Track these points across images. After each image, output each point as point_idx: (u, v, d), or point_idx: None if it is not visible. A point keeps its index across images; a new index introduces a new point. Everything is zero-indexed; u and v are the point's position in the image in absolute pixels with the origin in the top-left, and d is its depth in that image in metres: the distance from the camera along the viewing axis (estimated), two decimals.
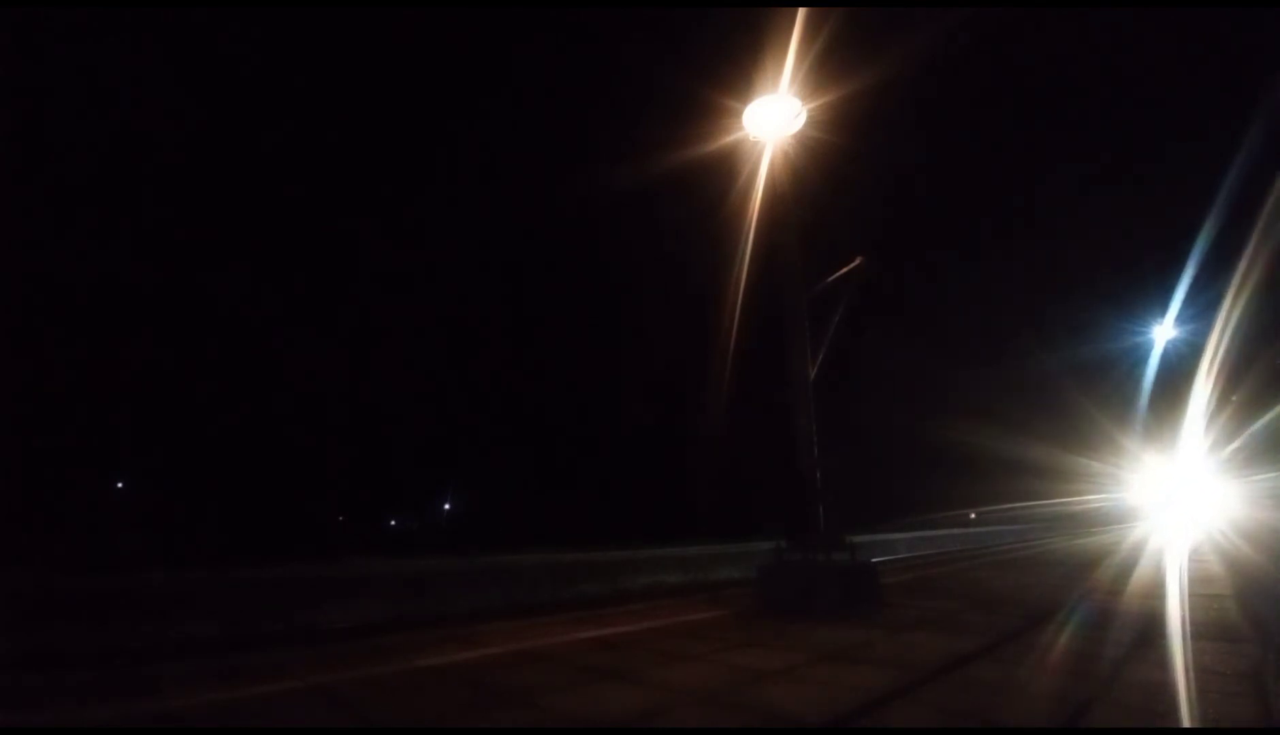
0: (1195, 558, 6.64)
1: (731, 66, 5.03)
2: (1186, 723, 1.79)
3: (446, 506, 30.74)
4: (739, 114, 5.13)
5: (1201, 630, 2.97)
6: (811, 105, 5.02)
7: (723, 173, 6.05)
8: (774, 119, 4.94)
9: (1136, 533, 14.21)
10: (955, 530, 15.71)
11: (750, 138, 5.25)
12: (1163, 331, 20.62)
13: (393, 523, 29.76)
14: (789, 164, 4.99)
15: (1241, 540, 8.87)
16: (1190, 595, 4.07)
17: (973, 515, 21.86)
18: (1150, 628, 3.06)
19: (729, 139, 5.44)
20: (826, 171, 5.59)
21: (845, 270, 6.77)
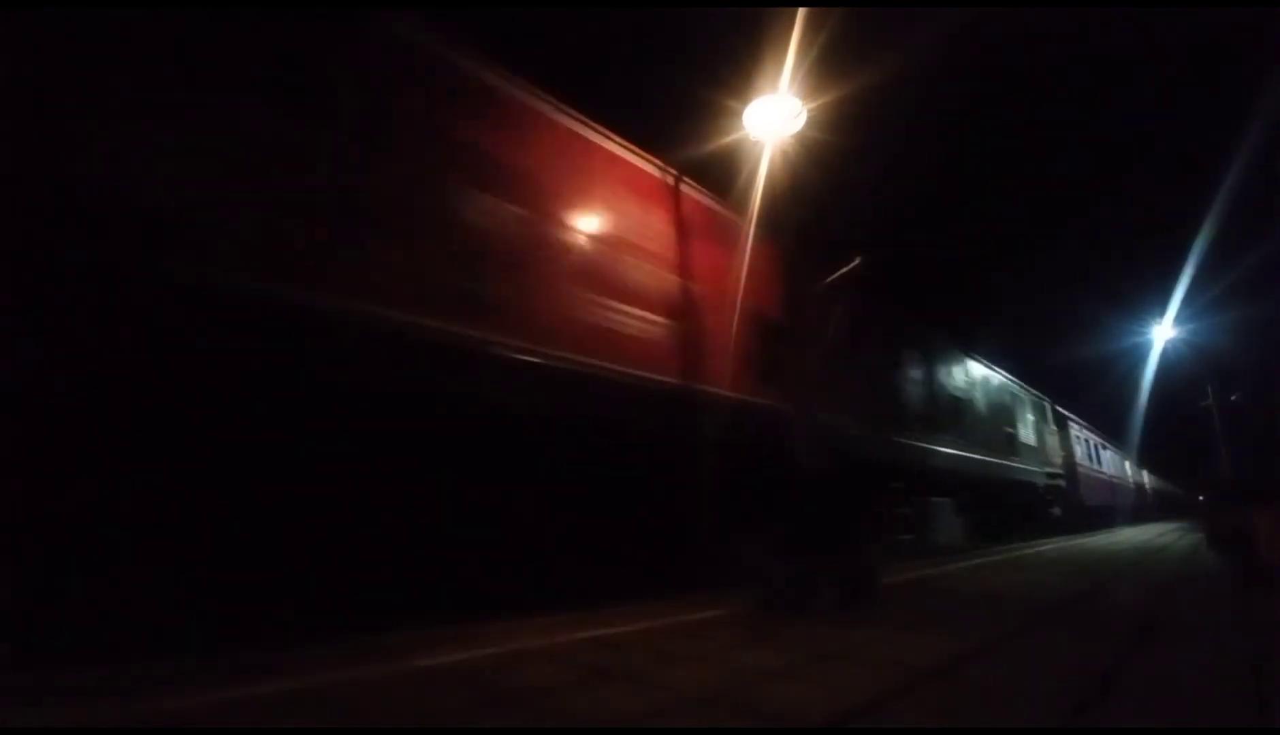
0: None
1: (731, 66, 5.03)
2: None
3: None
4: (738, 114, 5.13)
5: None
6: (811, 105, 5.02)
7: (722, 173, 6.05)
8: (774, 119, 4.94)
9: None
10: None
11: (750, 138, 5.25)
12: (1162, 331, 20.66)
13: None
14: (788, 164, 4.99)
15: None
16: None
17: None
18: (1152, 626, 3.06)
19: (728, 139, 5.45)
20: (826, 171, 5.58)
21: (845, 270, 6.77)
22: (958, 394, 11.21)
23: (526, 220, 4.41)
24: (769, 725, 1.75)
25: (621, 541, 5.05)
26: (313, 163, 3.38)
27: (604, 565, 4.86)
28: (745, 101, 4.99)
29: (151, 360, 2.83)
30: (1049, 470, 15.03)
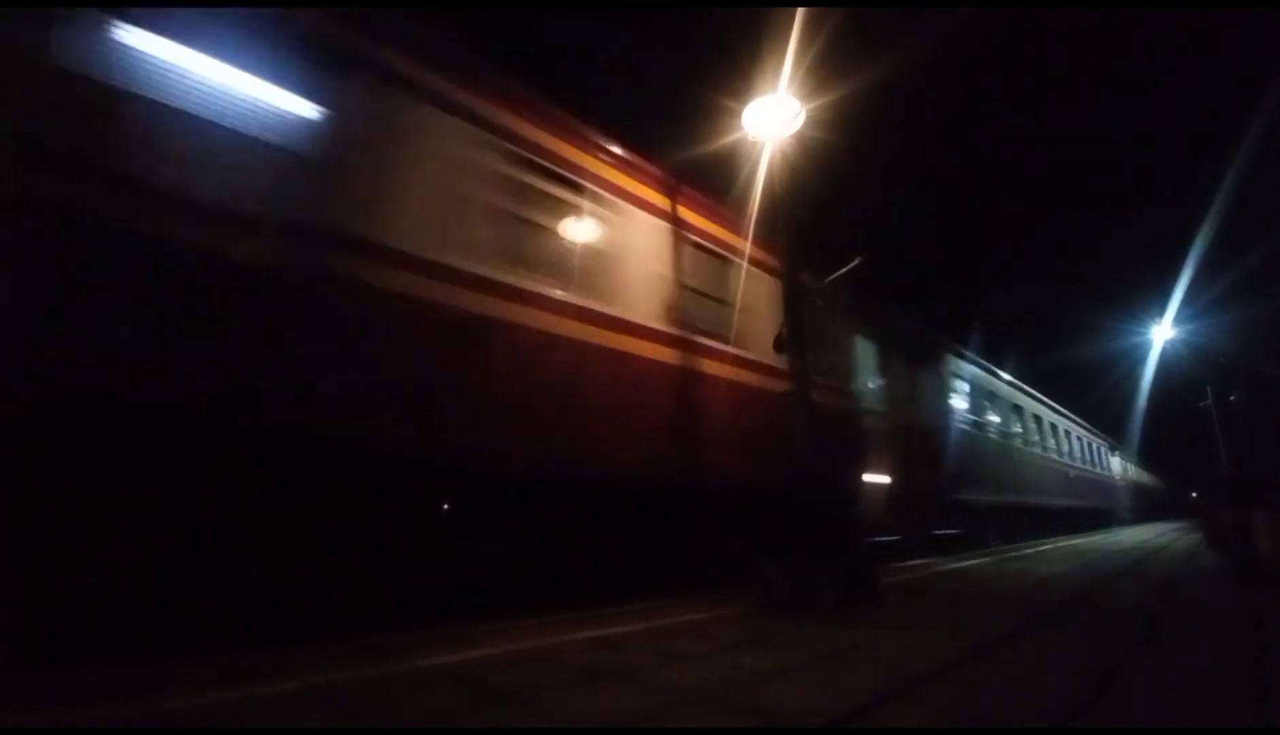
0: None
1: (731, 66, 5.04)
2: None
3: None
4: (738, 114, 5.14)
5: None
6: (810, 105, 5.02)
7: (720, 173, 6.05)
8: (773, 119, 4.94)
9: None
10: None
11: (749, 138, 5.25)
12: (1161, 331, 20.66)
13: None
14: (787, 164, 5.00)
15: None
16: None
17: None
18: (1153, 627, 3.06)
19: (727, 139, 5.45)
20: (825, 171, 5.59)
21: (844, 269, 6.77)
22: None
23: None
24: (769, 725, 1.75)
25: (622, 541, 5.04)
26: None
27: (604, 565, 4.86)
28: (744, 102, 5.00)
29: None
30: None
